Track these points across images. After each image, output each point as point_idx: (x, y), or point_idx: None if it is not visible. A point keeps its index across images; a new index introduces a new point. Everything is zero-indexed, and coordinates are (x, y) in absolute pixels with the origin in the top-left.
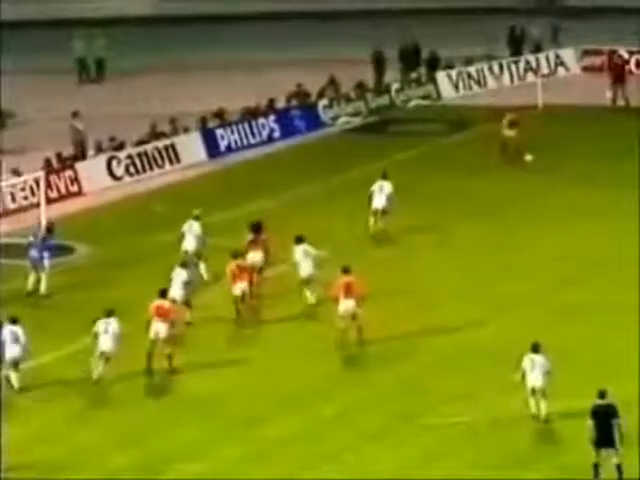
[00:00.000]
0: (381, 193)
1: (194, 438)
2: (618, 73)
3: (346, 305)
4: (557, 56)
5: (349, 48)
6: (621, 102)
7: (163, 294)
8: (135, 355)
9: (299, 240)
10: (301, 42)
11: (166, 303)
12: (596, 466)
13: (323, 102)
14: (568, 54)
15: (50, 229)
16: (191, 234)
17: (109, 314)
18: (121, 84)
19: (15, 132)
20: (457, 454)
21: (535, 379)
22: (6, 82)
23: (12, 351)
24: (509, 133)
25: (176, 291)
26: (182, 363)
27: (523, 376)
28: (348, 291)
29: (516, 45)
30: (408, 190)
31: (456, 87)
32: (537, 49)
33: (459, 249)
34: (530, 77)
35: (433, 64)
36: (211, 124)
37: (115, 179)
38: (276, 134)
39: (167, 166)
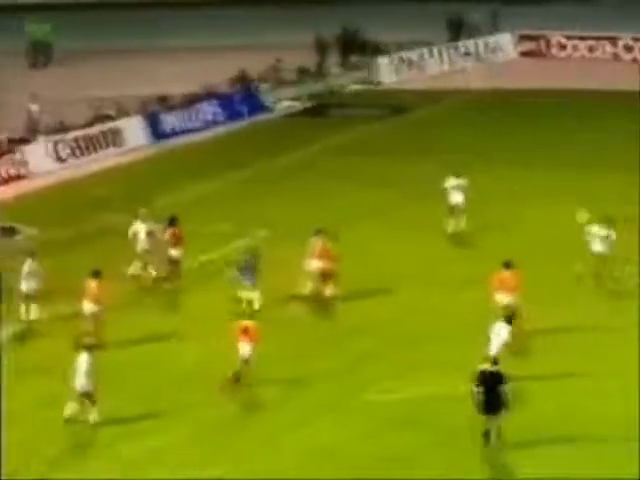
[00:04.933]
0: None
1: None
2: None
3: None
4: (495, 41)
5: (292, 33)
6: None
7: (96, 275)
8: None
9: None
10: (243, 28)
11: (95, 283)
12: (487, 433)
13: (264, 87)
14: (506, 39)
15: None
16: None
17: None
18: (66, 69)
19: None
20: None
21: (493, 346)
22: None
23: None
24: None
25: None
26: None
27: (488, 340)
28: None
29: (455, 30)
30: (343, 173)
31: (395, 72)
32: (475, 34)
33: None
34: (468, 62)
35: (372, 49)
36: (154, 108)
37: (61, 162)
38: (219, 118)
39: (111, 149)
